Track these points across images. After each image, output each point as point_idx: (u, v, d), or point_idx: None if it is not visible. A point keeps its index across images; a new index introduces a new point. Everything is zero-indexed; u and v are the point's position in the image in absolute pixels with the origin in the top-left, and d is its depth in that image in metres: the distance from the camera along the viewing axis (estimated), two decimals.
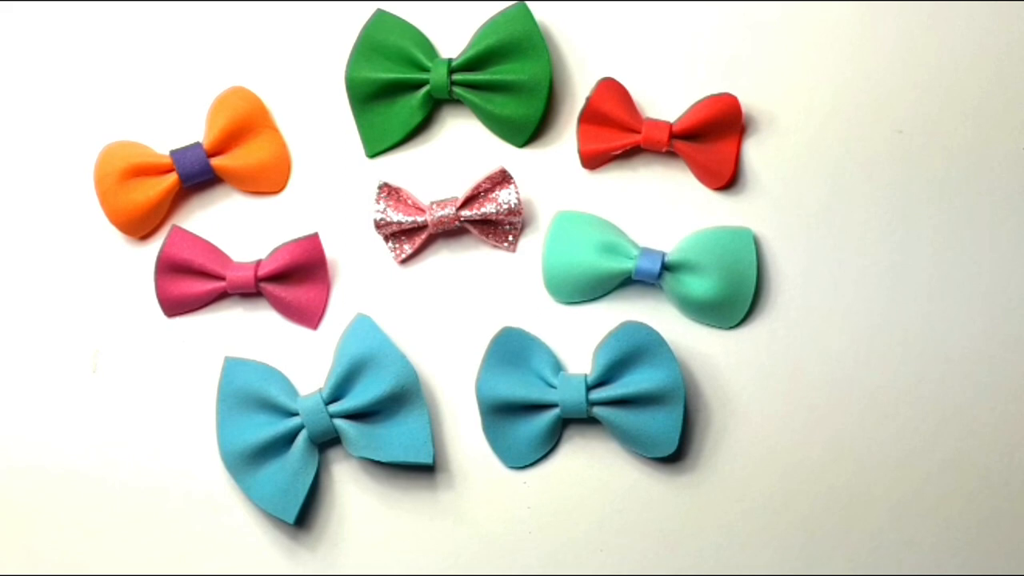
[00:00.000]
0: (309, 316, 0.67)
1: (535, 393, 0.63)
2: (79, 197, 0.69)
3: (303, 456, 0.63)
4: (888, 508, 0.63)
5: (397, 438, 0.62)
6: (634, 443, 0.62)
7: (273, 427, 0.63)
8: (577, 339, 0.65)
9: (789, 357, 0.65)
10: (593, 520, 0.64)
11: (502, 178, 0.65)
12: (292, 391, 0.64)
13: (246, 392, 0.63)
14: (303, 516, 0.64)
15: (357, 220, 0.68)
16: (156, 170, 0.68)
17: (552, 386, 0.63)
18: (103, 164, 0.67)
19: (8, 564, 0.65)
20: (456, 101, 0.68)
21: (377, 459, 0.62)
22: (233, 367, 0.64)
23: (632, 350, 0.62)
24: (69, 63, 0.72)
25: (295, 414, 0.63)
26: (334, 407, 0.63)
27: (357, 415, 0.63)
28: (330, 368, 0.64)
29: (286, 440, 0.63)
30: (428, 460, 0.62)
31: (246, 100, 0.69)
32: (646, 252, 0.64)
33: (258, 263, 0.66)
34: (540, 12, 0.68)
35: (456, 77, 0.67)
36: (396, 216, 0.66)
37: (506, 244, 0.67)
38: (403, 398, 0.63)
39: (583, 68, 0.69)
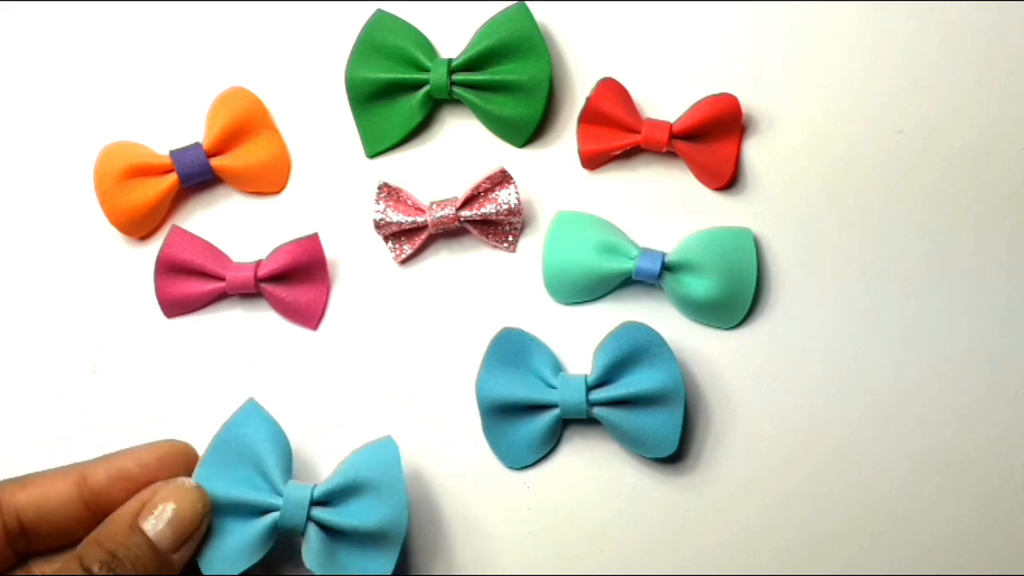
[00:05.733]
0: (309, 317, 0.67)
1: (535, 393, 0.63)
2: (79, 197, 0.69)
3: (263, 540, 0.58)
4: (888, 508, 0.63)
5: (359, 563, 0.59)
6: (634, 444, 0.62)
7: (250, 496, 0.58)
8: (577, 339, 0.65)
9: (789, 357, 0.65)
10: (593, 520, 0.64)
11: (502, 178, 0.65)
12: (286, 465, 0.59)
13: (243, 447, 0.58)
14: None
15: (357, 220, 0.68)
16: (156, 170, 0.68)
17: (552, 386, 0.63)
18: (103, 164, 0.67)
19: None
20: (456, 101, 0.68)
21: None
22: (249, 413, 0.59)
23: (632, 350, 0.62)
24: (69, 63, 0.72)
25: (279, 493, 0.58)
26: (319, 510, 0.58)
27: (334, 530, 0.58)
28: (336, 469, 0.59)
29: (257, 513, 0.58)
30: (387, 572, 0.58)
31: (246, 100, 0.69)
32: (646, 252, 0.64)
33: (258, 263, 0.66)
34: (540, 12, 0.68)
35: (456, 77, 0.67)
36: (396, 216, 0.66)
37: (506, 244, 0.67)
38: (381, 537, 0.59)
39: (583, 68, 0.69)
